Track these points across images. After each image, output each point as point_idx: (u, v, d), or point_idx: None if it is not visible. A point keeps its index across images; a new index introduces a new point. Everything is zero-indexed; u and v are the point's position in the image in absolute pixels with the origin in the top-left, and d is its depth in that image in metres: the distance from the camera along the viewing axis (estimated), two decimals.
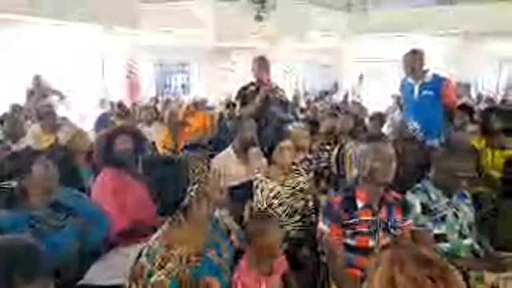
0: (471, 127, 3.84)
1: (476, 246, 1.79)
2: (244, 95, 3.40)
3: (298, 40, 8.70)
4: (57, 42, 7.13)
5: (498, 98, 7.37)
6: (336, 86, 10.49)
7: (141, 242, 1.98)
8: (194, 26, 8.01)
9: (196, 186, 1.28)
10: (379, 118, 5.12)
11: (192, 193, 1.28)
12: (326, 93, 9.60)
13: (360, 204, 1.62)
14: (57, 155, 2.46)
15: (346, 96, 8.36)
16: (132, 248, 1.93)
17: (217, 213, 1.50)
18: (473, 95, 7.28)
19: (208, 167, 1.39)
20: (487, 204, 2.30)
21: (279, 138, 2.22)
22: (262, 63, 3.40)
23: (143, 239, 2.01)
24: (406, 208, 1.70)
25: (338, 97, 9.18)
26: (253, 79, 3.43)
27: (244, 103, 3.33)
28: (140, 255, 1.57)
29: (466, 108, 4.10)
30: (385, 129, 5.58)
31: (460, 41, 8.11)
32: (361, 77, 9.70)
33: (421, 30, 7.84)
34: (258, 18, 7.00)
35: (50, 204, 1.82)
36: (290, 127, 2.91)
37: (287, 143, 2.20)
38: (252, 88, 3.39)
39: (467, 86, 6.82)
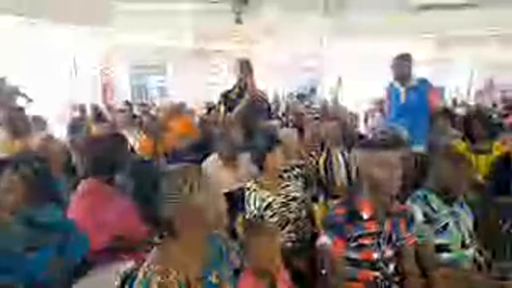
0: (452, 132, 3.92)
1: (477, 256, 1.76)
2: (228, 99, 3.29)
3: (277, 43, 8.67)
4: (24, 41, 6.73)
5: (471, 103, 7.63)
6: (313, 90, 10.53)
7: (125, 259, 1.87)
8: (171, 27, 7.80)
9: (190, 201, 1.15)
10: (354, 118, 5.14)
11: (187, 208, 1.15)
12: (304, 96, 9.62)
13: (365, 215, 1.54)
14: (28, 164, 2.26)
15: (324, 102, 8.37)
16: (117, 265, 1.79)
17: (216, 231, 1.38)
18: (448, 99, 7.51)
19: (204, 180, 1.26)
20: (477, 211, 2.30)
21: (271, 145, 2.12)
22: (246, 66, 3.31)
23: (127, 255, 1.88)
24: (410, 219, 1.64)
25: (315, 100, 9.19)
26: (234, 82, 3.33)
27: (229, 108, 3.22)
28: (125, 279, 1.42)
29: (446, 113, 4.19)
30: (362, 131, 5.63)
31: (434, 46, 8.35)
32: (339, 81, 9.79)
33: (398, 34, 8.00)
34: (238, 21, 6.89)
35: (23, 221, 1.64)
36: (280, 133, 2.81)
37: (279, 150, 2.11)
38: (237, 91, 3.29)
39: (441, 90, 7.01)
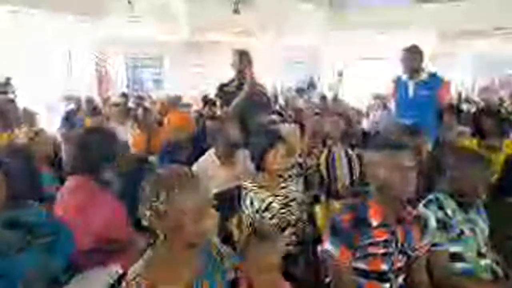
0: (459, 128, 3.78)
1: (495, 266, 1.62)
2: (225, 93, 3.13)
3: (275, 35, 8.49)
4: (20, 32, 6.51)
5: (476, 98, 7.45)
6: (313, 84, 10.33)
7: (113, 263, 1.73)
8: (167, 18, 7.61)
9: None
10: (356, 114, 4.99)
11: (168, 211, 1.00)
12: (303, 90, 9.44)
13: (374, 222, 1.39)
14: (13, 158, 2.12)
15: (324, 97, 8.17)
16: (109, 267, 1.66)
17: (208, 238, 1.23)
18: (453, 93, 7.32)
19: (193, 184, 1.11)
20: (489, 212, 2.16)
21: (272, 142, 1.96)
22: (244, 57, 3.14)
23: (113, 259, 1.75)
24: (423, 226, 1.49)
25: (314, 95, 9.01)
26: (231, 75, 3.17)
27: (226, 101, 3.06)
28: None
29: (452, 108, 4.05)
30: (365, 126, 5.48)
31: (436, 40, 8.17)
32: (340, 74, 9.58)
33: (400, 28, 7.83)
34: (236, 11, 6.69)
35: (6, 223, 1.50)
36: (281, 129, 2.65)
37: (281, 148, 1.94)
38: (235, 84, 3.13)
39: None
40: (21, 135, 3.08)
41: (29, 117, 4.47)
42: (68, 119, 5.34)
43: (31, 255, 1.48)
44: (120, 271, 1.69)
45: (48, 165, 2.62)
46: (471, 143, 3.14)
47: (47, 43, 7.14)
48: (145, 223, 1.05)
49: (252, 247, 1.30)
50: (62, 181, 2.28)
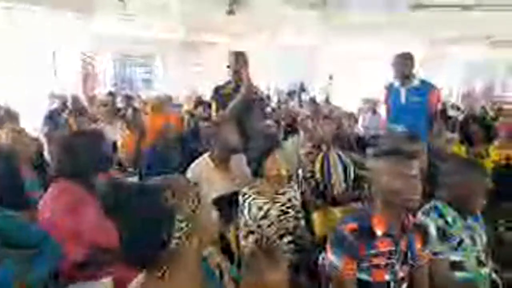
0: (448, 135, 3.85)
1: (494, 275, 1.62)
2: (221, 95, 3.07)
3: (270, 36, 8.47)
4: (7, 28, 6.26)
5: (460, 105, 7.60)
6: (302, 86, 10.35)
7: (104, 276, 1.65)
8: (160, 17, 7.48)
9: (184, 224, 0.95)
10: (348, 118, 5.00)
11: (180, 234, 0.94)
12: (295, 93, 9.45)
13: (378, 231, 1.37)
14: None
15: (314, 100, 8.16)
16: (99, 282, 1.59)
17: (205, 251, 1.17)
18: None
19: (198, 196, 1.04)
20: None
21: (270, 147, 1.92)
22: (240, 58, 3.07)
23: (105, 272, 1.66)
24: (424, 234, 1.47)
25: (306, 98, 9.03)
26: (225, 76, 3.11)
27: (222, 104, 2.99)
28: None
29: (442, 114, 4.12)
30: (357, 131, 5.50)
31: (426, 46, 8.31)
32: (330, 78, 9.62)
33: (390, 34, 7.92)
34: (230, 12, 6.61)
35: None
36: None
37: (281, 154, 1.90)
38: (231, 86, 3.07)
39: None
40: (4, 135, 2.93)
41: (11, 117, 4.29)
42: (52, 118, 5.17)
43: (9, 265, 1.39)
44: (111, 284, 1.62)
45: (31, 168, 2.49)
46: (460, 150, 3.20)
47: (37, 41, 6.89)
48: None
49: (258, 262, 1.25)
50: (46, 184, 2.17)
